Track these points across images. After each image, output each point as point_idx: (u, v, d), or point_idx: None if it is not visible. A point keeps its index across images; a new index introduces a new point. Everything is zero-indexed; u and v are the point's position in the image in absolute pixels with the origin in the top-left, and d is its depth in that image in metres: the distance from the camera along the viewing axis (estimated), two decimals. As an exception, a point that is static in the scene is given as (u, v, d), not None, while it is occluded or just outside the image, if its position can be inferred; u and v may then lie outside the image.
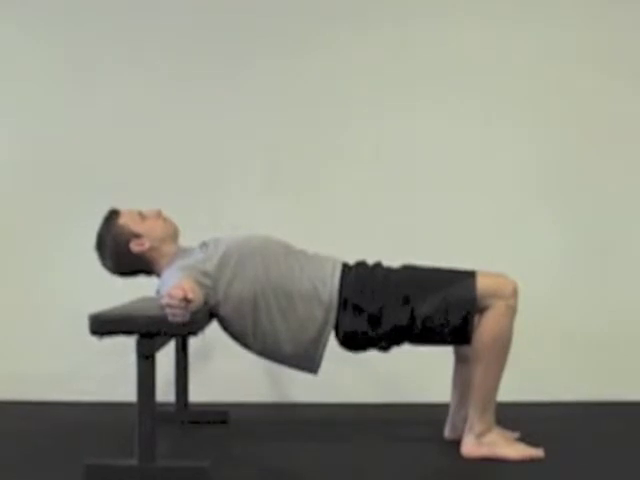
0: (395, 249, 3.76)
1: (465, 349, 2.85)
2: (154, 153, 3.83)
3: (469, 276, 2.78)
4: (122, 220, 2.95)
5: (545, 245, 3.79)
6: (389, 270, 2.88)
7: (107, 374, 3.72)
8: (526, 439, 2.90)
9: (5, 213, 3.89)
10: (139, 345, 2.56)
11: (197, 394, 3.49)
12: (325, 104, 3.84)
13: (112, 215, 2.98)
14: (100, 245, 2.97)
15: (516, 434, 2.97)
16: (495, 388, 2.80)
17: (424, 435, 3.09)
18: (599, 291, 3.78)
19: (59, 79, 3.90)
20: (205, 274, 2.76)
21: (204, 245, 2.93)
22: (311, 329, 2.80)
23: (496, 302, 2.75)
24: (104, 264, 2.99)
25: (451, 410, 3.02)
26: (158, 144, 3.84)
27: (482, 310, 2.76)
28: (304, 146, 3.85)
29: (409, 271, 2.87)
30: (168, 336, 2.74)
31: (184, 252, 2.94)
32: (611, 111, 3.79)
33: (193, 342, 3.46)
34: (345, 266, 2.89)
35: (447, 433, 3.02)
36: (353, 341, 2.83)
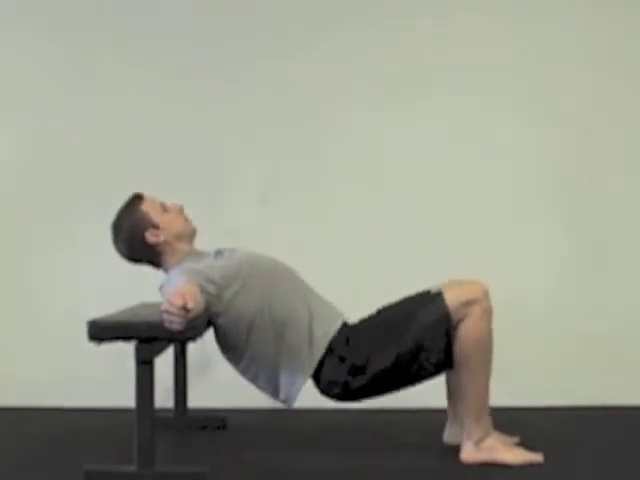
0: (395, 254, 3.78)
1: (452, 356, 2.82)
2: (153, 157, 3.83)
3: (436, 296, 2.77)
4: (144, 207, 2.93)
5: (545, 248, 3.79)
6: (367, 319, 2.88)
7: (106, 379, 3.72)
8: (525, 444, 2.89)
9: (5, 216, 3.89)
10: (138, 351, 2.55)
11: (196, 400, 3.49)
12: (324, 108, 3.85)
13: (135, 199, 2.96)
14: (116, 226, 2.94)
15: (515, 439, 2.96)
16: (486, 392, 2.80)
17: (423, 440, 3.09)
18: (599, 295, 3.78)
19: (59, 80, 3.90)
20: (211, 281, 2.74)
21: (219, 253, 2.93)
22: (292, 367, 2.80)
23: (470, 310, 2.74)
24: (116, 246, 2.95)
25: (449, 415, 3.01)
26: (157, 148, 3.85)
27: (459, 322, 2.75)
28: (303, 151, 3.85)
29: (383, 313, 2.87)
30: (167, 342, 2.74)
31: (196, 255, 2.93)
32: (612, 112, 3.80)
33: (192, 348, 3.45)
34: (344, 324, 2.88)
35: (446, 438, 3.01)
36: (333, 390, 2.81)
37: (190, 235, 2.97)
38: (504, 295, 3.66)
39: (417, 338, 2.73)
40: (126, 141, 3.86)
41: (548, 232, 3.79)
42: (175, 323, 2.40)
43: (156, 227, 2.90)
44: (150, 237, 2.90)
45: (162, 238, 2.90)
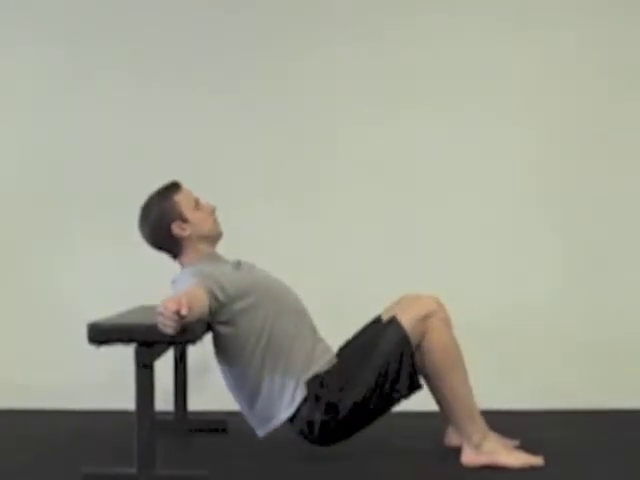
0: (394, 256, 3.78)
1: (425, 369, 2.80)
2: (155, 158, 3.83)
3: (391, 322, 2.76)
4: (178, 197, 2.91)
5: (545, 254, 3.78)
6: (336, 357, 2.88)
7: (106, 382, 3.72)
8: (526, 447, 2.89)
9: (5, 218, 3.89)
10: (138, 354, 2.55)
11: (196, 403, 3.49)
12: (325, 108, 3.85)
13: (172, 187, 2.94)
14: (146, 209, 2.92)
15: (516, 442, 2.96)
16: (469, 395, 2.80)
17: (424, 443, 3.09)
18: (599, 299, 3.77)
19: (59, 82, 3.91)
20: (223, 289, 2.72)
21: (238, 264, 2.92)
22: (276, 399, 2.78)
23: (428, 323, 2.74)
24: (141, 227, 2.93)
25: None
26: (158, 149, 3.85)
27: (421, 339, 2.74)
28: (304, 151, 3.85)
29: (345, 350, 2.88)
30: (167, 345, 2.74)
31: (215, 258, 2.93)
32: (612, 118, 3.79)
33: (192, 351, 3.45)
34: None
35: (447, 441, 3.01)
36: (312, 432, 2.78)
37: (215, 238, 2.96)
38: (504, 300, 3.69)
39: (382, 366, 2.72)
40: (126, 142, 3.87)
41: (547, 237, 3.78)
42: (168, 327, 2.39)
43: (185, 221, 2.89)
44: (176, 229, 2.88)
45: (187, 233, 2.88)
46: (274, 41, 3.86)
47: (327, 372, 2.80)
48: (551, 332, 3.73)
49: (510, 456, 2.78)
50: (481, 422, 2.80)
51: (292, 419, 2.79)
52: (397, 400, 2.76)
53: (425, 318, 2.74)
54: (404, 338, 2.72)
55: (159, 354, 2.66)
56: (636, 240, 3.79)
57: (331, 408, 2.74)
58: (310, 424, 2.76)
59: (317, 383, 2.77)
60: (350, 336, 2.95)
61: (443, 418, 2.92)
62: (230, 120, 3.85)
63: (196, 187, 3.75)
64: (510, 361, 3.67)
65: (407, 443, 3.14)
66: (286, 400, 2.78)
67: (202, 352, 3.52)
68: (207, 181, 3.79)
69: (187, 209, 2.90)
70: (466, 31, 3.83)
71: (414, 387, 2.75)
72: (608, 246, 3.79)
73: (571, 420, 3.50)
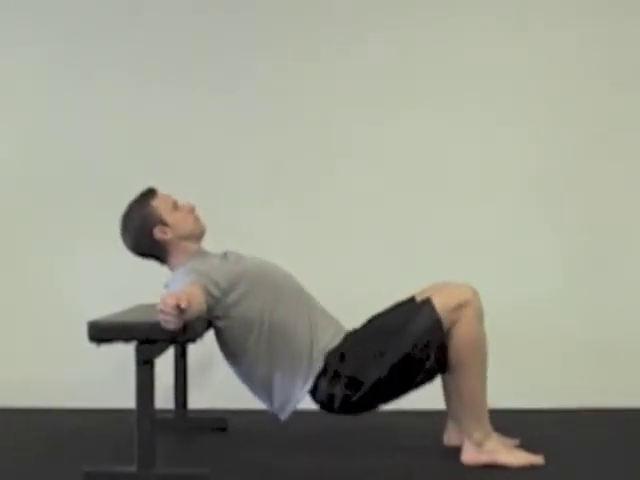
0: (394, 256, 3.78)
1: (448, 360, 2.81)
2: (155, 159, 3.84)
3: (425, 303, 2.75)
4: (156, 202, 2.92)
5: (545, 254, 3.78)
6: (357, 330, 2.86)
7: (106, 380, 3.72)
8: (526, 446, 2.89)
9: (5, 217, 3.89)
10: (138, 351, 2.55)
11: (196, 401, 3.49)
12: (325, 109, 3.85)
13: (148, 194, 2.95)
14: (126, 218, 2.94)
15: (516, 441, 2.96)
16: (483, 393, 2.79)
17: (424, 442, 3.08)
18: (599, 299, 3.77)
19: (59, 82, 3.91)
20: (215, 284, 2.73)
21: (225, 256, 2.92)
22: (292, 379, 2.79)
23: (461, 313, 2.73)
24: (123, 237, 2.95)
25: (449, 417, 3.01)
26: (158, 150, 3.85)
27: (452, 326, 2.74)
28: (303, 152, 3.85)
29: (372, 323, 2.86)
30: (167, 343, 2.74)
31: (203, 255, 2.92)
32: (613, 120, 3.80)
33: (192, 349, 3.45)
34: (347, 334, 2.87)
35: (446, 440, 3.01)
36: (332, 405, 2.79)
37: (198, 235, 2.96)
38: (505, 300, 3.68)
39: (410, 346, 2.72)
40: (126, 142, 3.87)
41: (548, 238, 3.79)
42: (170, 323, 2.39)
43: (165, 224, 2.89)
44: (158, 233, 2.89)
45: (169, 236, 2.89)
46: (275, 44, 3.85)
47: (347, 346, 2.79)
48: (551, 332, 3.73)
49: (510, 455, 2.78)
50: (486, 422, 2.80)
51: (313, 392, 2.79)
52: (420, 381, 2.77)
53: (459, 306, 2.72)
54: (436, 321, 2.71)
55: (159, 352, 2.66)
56: (636, 240, 3.79)
57: (353, 383, 2.74)
58: (330, 397, 2.77)
59: (336, 357, 2.77)
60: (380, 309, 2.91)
61: (450, 414, 2.92)
62: (230, 120, 3.84)
63: (196, 187, 3.77)
64: (510, 361, 3.67)
65: (407, 441, 3.14)
66: (300, 379, 2.78)
67: (202, 350, 3.53)
68: (207, 181, 3.82)
69: (166, 212, 2.90)
70: (466, 31, 3.82)
71: (438, 370, 2.75)
72: (608, 246, 3.79)
73: (571, 419, 3.50)
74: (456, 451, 2.83)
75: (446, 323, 2.72)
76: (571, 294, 3.77)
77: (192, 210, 2.96)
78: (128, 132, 3.87)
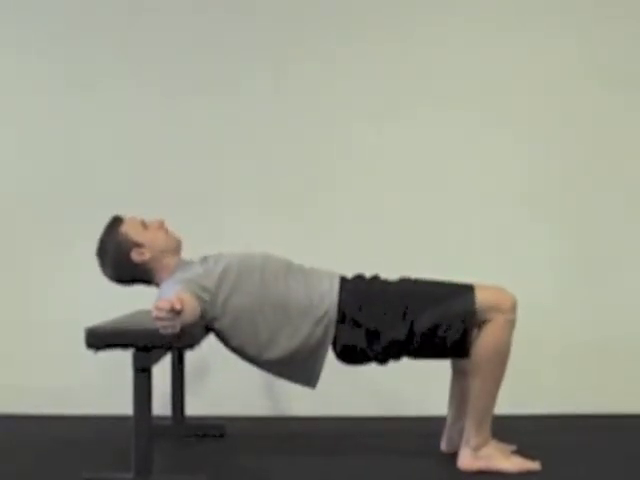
0: (394, 262, 3.77)
1: (463, 362, 2.85)
2: (153, 169, 3.84)
3: (468, 290, 2.77)
4: (124, 228, 2.93)
5: (543, 257, 3.79)
6: (387, 283, 2.87)
7: (103, 387, 3.72)
8: (523, 452, 2.89)
9: (4, 223, 3.89)
10: (135, 358, 2.56)
11: (193, 408, 3.49)
12: (323, 117, 3.85)
13: (115, 222, 2.96)
14: (101, 252, 2.96)
15: (513, 447, 2.96)
16: (492, 402, 2.79)
17: (421, 448, 3.08)
18: (597, 303, 3.77)
19: (59, 93, 3.90)
20: (204, 289, 2.75)
21: (204, 260, 2.93)
22: (309, 344, 2.80)
23: (495, 316, 2.74)
24: (104, 271, 2.97)
25: (448, 423, 3.01)
26: (157, 160, 3.85)
27: (481, 324, 2.75)
28: (303, 156, 3.85)
29: (407, 284, 2.86)
30: (164, 349, 2.74)
31: (185, 265, 2.93)
32: (609, 125, 3.80)
33: (190, 356, 3.45)
34: (343, 280, 2.88)
35: (444, 446, 3.01)
36: (351, 355, 2.82)
37: (176, 247, 2.96)
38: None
39: (436, 321, 2.73)
40: (125, 147, 3.87)
41: (546, 243, 3.79)
42: (168, 327, 2.40)
43: (140, 245, 2.90)
44: (136, 256, 2.89)
45: (147, 255, 2.89)
46: (272, 51, 3.86)
47: (369, 294, 2.81)
48: (551, 336, 3.74)
49: (507, 461, 2.78)
50: (487, 429, 2.80)
51: (333, 345, 2.80)
52: (439, 352, 2.77)
53: (496, 309, 2.74)
54: (472, 312, 2.72)
55: (157, 359, 2.67)
56: (636, 240, 3.80)
57: (371, 336, 2.76)
58: (346, 348, 2.78)
59: (355, 306, 2.78)
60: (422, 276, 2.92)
61: (449, 419, 2.93)
62: (230, 120, 3.84)
63: (196, 187, 3.79)
64: (508, 366, 3.66)
65: (405, 447, 3.14)
66: (320, 336, 2.78)
67: (199, 357, 3.54)
68: (207, 182, 3.82)
69: (136, 234, 2.91)
70: (466, 33, 3.83)
71: (460, 352, 2.75)
72: (608, 246, 3.79)
73: (568, 424, 3.50)
74: (453, 457, 2.84)
75: (479, 318, 2.73)
76: (570, 299, 3.76)
77: (162, 225, 2.97)
78: (127, 147, 3.86)
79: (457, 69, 3.82)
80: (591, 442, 3.20)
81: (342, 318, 2.79)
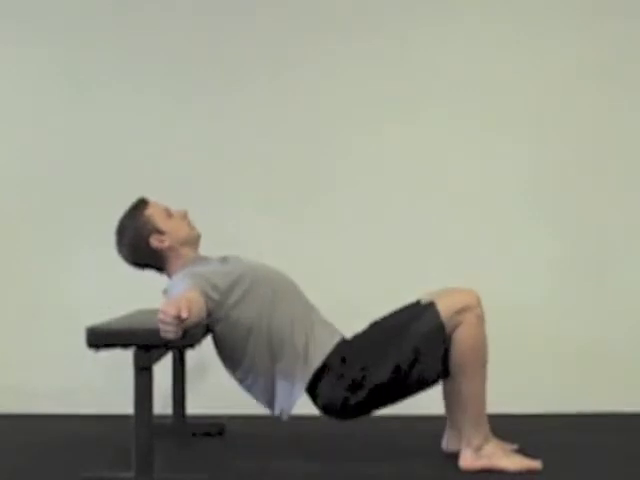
0: (394, 262, 3.79)
1: (448, 362, 2.83)
2: (153, 169, 3.84)
3: (429, 306, 2.76)
4: (149, 212, 2.92)
5: (544, 255, 3.79)
6: (361, 334, 2.87)
7: (104, 386, 3.72)
8: (524, 451, 2.90)
9: (6, 224, 3.89)
10: (136, 357, 2.55)
11: (194, 406, 3.49)
12: (324, 119, 3.86)
13: (140, 204, 2.95)
14: (121, 231, 2.94)
15: (514, 446, 2.96)
16: (483, 398, 2.79)
17: (423, 447, 3.09)
18: (595, 303, 3.78)
19: (59, 95, 3.92)
20: (215, 287, 2.74)
21: (224, 260, 2.93)
22: (290, 378, 2.79)
23: (464, 316, 2.74)
24: (119, 250, 2.95)
25: (448, 422, 3.01)
26: (157, 157, 3.86)
27: (453, 330, 2.74)
28: (303, 159, 3.85)
29: (376, 327, 2.86)
30: (165, 349, 2.74)
31: (201, 260, 2.93)
32: (609, 126, 3.82)
33: (190, 354, 3.45)
34: (343, 340, 2.87)
35: (445, 445, 3.01)
36: (334, 408, 2.80)
37: (194, 241, 2.97)
38: (501, 303, 3.68)
39: (412, 350, 2.73)
40: (125, 150, 3.87)
41: (546, 238, 3.79)
42: (170, 332, 2.40)
43: (160, 232, 2.90)
44: (154, 242, 2.89)
45: (166, 244, 2.89)
46: (273, 54, 3.86)
47: (350, 347, 2.80)
48: (548, 335, 3.74)
49: (508, 460, 2.78)
50: (485, 427, 2.80)
51: (315, 398, 2.80)
52: (422, 385, 2.77)
53: (462, 311, 2.73)
54: (439, 325, 2.72)
55: (158, 358, 2.67)
56: (634, 243, 3.80)
57: (355, 386, 2.75)
58: (332, 400, 2.77)
59: (338, 359, 2.78)
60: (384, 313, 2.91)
61: (449, 419, 2.93)
62: (230, 120, 3.85)
63: (196, 188, 3.79)
64: (508, 365, 3.66)
65: (406, 446, 3.14)
66: (299, 378, 2.77)
67: (200, 356, 3.53)
68: (207, 182, 3.82)
69: (160, 220, 2.91)
70: (466, 38, 3.84)
71: (441, 374, 2.75)
72: (607, 246, 3.80)
73: (569, 424, 3.50)
74: (454, 456, 2.83)
75: (449, 327, 2.73)
76: (567, 299, 3.77)
77: (185, 216, 2.97)
78: (128, 147, 3.87)
79: (457, 69, 3.83)
80: (591, 442, 3.19)
81: (327, 371, 2.77)
